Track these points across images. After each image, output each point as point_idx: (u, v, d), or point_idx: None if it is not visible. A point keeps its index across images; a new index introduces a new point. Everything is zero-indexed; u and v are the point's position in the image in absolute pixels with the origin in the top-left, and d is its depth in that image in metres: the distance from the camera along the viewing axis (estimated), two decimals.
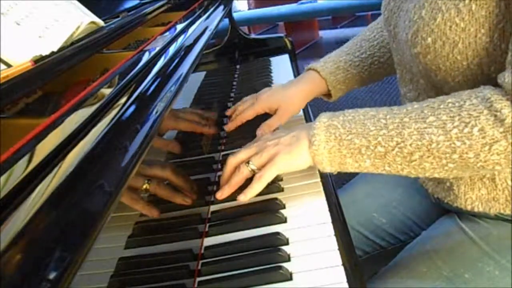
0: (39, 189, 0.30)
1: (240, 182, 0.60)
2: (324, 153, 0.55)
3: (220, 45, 1.17)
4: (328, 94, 0.83)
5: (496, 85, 0.49)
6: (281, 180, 0.65)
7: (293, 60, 1.22)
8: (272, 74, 1.11)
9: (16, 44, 0.53)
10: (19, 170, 0.31)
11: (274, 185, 0.63)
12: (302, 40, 3.77)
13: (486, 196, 0.61)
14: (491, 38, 0.50)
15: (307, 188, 0.63)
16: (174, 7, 0.98)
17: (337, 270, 0.48)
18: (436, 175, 0.53)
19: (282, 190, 0.63)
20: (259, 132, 0.73)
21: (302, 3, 3.47)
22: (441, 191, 0.67)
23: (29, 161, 0.33)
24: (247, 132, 0.77)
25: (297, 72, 1.12)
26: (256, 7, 4.09)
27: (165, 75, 0.55)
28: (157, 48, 0.61)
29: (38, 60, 0.51)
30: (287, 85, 0.80)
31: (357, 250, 0.81)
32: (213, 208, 0.62)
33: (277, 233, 0.54)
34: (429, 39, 0.54)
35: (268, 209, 0.59)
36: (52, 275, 0.25)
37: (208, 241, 0.56)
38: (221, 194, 0.60)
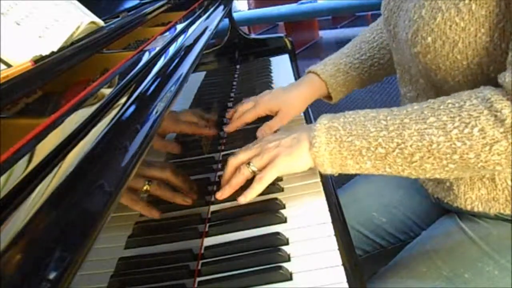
0: (39, 189, 0.30)
1: (240, 183, 0.60)
2: (325, 154, 0.55)
3: (220, 45, 1.17)
4: (329, 96, 0.83)
5: (496, 85, 0.49)
6: (281, 180, 0.65)
7: (293, 60, 1.22)
8: (272, 74, 1.11)
9: (16, 44, 0.53)
10: (19, 170, 0.31)
11: (274, 185, 0.63)
12: (302, 40, 3.77)
13: (486, 196, 0.61)
14: (491, 38, 0.50)
15: (307, 188, 0.63)
16: (174, 7, 0.98)
17: (337, 270, 0.48)
18: (437, 176, 0.53)
19: (282, 190, 0.63)
20: (259, 133, 0.73)
21: (302, 3, 3.47)
22: (441, 191, 0.67)
23: (29, 161, 0.33)
24: (247, 133, 0.78)
25: (297, 72, 1.12)
26: (256, 7, 4.09)
27: (165, 75, 0.55)
28: (157, 48, 0.61)
29: (38, 60, 0.51)
30: (287, 88, 0.80)
31: (357, 249, 0.81)
32: (213, 208, 0.62)
33: (277, 233, 0.54)
34: (429, 39, 0.54)
35: (268, 209, 0.59)
36: (52, 275, 0.25)
37: (208, 241, 0.56)
38: (221, 195, 0.60)
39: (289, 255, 0.51)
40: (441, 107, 0.50)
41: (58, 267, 0.26)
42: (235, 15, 1.54)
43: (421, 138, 0.50)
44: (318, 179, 0.63)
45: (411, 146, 0.51)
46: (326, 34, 4.12)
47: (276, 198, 0.61)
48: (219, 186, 0.63)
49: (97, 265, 0.41)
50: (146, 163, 0.53)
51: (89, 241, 0.30)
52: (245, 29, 3.64)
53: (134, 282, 0.47)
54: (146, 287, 0.48)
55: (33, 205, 0.28)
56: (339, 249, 0.51)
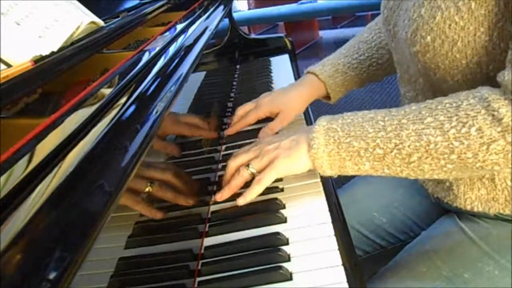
0: (39, 189, 0.30)
1: (240, 185, 0.60)
2: (323, 156, 0.55)
3: (220, 45, 1.17)
4: (328, 97, 0.83)
5: (495, 84, 0.49)
6: (281, 180, 0.65)
7: (293, 60, 1.22)
8: (272, 74, 1.11)
9: (16, 44, 0.53)
10: (19, 170, 0.31)
11: (274, 186, 0.63)
12: (302, 40, 3.77)
13: (486, 196, 0.61)
14: (490, 37, 0.50)
15: (307, 188, 0.63)
16: (174, 7, 0.98)
17: (337, 270, 0.48)
18: (436, 177, 0.53)
19: (282, 190, 0.64)
20: (261, 135, 0.73)
21: (302, 3, 3.47)
22: (441, 191, 0.67)
23: (29, 161, 0.33)
24: (248, 134, 0.78)
25: (297, 72, 1.12)
26: (256, 7, 4.09)
27: (165, 75, 0.55)
28: (157, 48, 0.61)
29: (38, 60, 0.51)
30: (287, 89, 0.80)
31: (357, 249, 0.81)
32: (213, 208, 0.62)
33: (277, 233, 0.54)
34: (428, 38, 0.54)
35: (268, 209, 0.59)
36: (52, 275, 0.25)
37: (208, 241, 0.56)
38: (220, 196, 0.60)
39: (289, 255, 0.51)
40: (439, 107, 0.50)
41: (58, 267, 0.26)
42: (235, 15, 1.54)
43: (418, 138, 0.50)
44: (318, 179, 0.63)
45: (409, 146, 0.51)
46: (326, 34, 4.12)
47: (276, 198, 0.61)
48: (219, 186, 0.63)
49: (97, 265, 0.41)
50: (148, 164, 0.53)
51: (89, 241, 0.30)
52: (245, 29, 3.64)
53: (134, 282, 0.47)
54: (146, 287, 0.48)
55: (33, 205, 0.28)
56: (339, 249, 0.51)
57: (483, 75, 0.53)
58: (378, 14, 0.76)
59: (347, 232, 0.56)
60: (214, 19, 0.89)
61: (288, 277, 0.48)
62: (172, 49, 0.63)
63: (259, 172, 0.59)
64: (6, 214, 0.27)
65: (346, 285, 0.46)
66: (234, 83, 1.11)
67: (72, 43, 0.59)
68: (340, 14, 4.11)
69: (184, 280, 0.50)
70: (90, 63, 0.57)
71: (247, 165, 0.60)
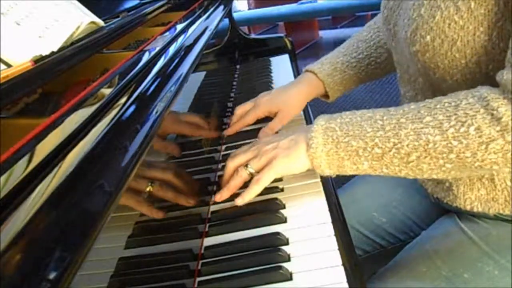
0: (39, 189, 0.30)
1: (238, 185, 0.60)
2: (322, 156, 0.55)
3: (220, 45, 1.17)
4: (326, 95, 0.83)
5: (494, 84, 0.49)
6: (281, 180, 0.65)
7: (293, 60, 1.22)
8: (272, 74, 1.11)
9: (16, 44, 0.53)
10: (19, 170, 0.31)
11: (274, 186, 0.63)
12: (302, 40, 3.77)
13: (485, 196, 0.61)
14: (489, 37, 0.50)
15: (307, 188, 0.63)
16: (174, 7, 0.98)
17: (337, 270, 0.48)
18: (434, 176, 0.53)
19: (282, 190, 0.64)
20: (261, 135, 0.73)
21: (302, 3, 3.47)
22: (441, 191, 0.67)
23: (29, 161, 0.33)
24: (247, 134, 0.78)
25: (297, 72, 1.12)
26: (256, 7, 4.09)
27: (165, 75, 0.55)
28: (157, 48, 0.61)
29: (38, 60, 0.51)
30: (285, 88, 0.80)
31: (357, 249, 0.81)
32: (213, 208, 0.62)
33: (277, 233, 0.54)
34: (428, 37, 0.54)
35: (268, 209, 0.59)
36: (52, 275, 0.25)
37: (208, 241, 0.56)
38: (220, 197, 0.60)
39: (289, 255, 0.51)
40: (438, 106, 0.50)
41: (58, 267, 0.26)
42: (235, 15, 1.54)
43: (417, 138, 0.50)
44: (318, 179, 0.63)
45: (407, 145, 0.50)
46: (326, 34, 4.12)
47: (276, 198, 0.61)
48: (218, 186, 0.63)
49: (97, 265, 0.41)
50: (149, 164, 0.53)
51: (89, 241, 0.30)
52: (245, 29, 3.64)
53: (134, 282, 0.46)
54: (146, 287, 0.48)
55: (33, 205, 0.28)
56: (339, 249, 0.51)
57: (482, 74, 0.53)
58: (378, 14, 0.77)
59: (347, 232, 0.56)
60: (214, 19, 0.89)
61: (288, 277, 0.49)
62: (172, 49, 0.63)
63: (258, 172, 0.59)
64: (6, 214, 0.27)
65: (346, 285, 0.46)
66: (234, 83, 1.11)
67: (72, 43, 0.59)
68: (340, 14, 4.11)
69: (184, 280, 0.50)
70: (90, 63, 0.57)
71: (246, 165, 0.60)
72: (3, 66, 0.50)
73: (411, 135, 0.50)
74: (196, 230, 0.57)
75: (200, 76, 0.85)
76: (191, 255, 0.53)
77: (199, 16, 0.85)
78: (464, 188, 0.62)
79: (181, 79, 0.56)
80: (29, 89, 0.47)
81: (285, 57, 1.24)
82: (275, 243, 0.53)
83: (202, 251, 0.55)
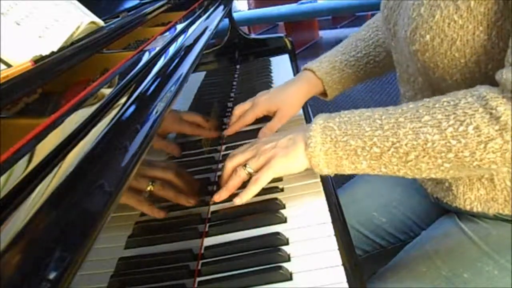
0: (39, 189, 0.30)
1: (237, 185, 0.60)
2: (320, 155, 0.55)
3: (220, 45, 1.17)
4: (324, 93, 0.83)
5: (493, 83, 0.49)
6: (281, 180, 0.65)
7: (293, 60, 1.22)
8: (272, 74, 1.11)
9: (16, 44, 0.53)
10: (19, 170, 0.31)
11: (274, 186, 0.63)
12: (302, 40, 3.77)
13: (485, 196, 0.61)
14: (489, 36, 0.50)
15: (307, 188, 0.63)
16: (174, 7, 0.98)
17: (337, 270, 0.48)
18: (433, 176, 0.53)
19: (282, 190, 0.64)
20: (260, 135, 0.73)
21: (302, 3, 3.47)
22: (440, 191, 0.67)
23: (29, 161, 0.33)
24: (247, 133, 0.78)
25: (297, 72, 1.12)
26: (256, 7, 4.09)
27: (165, 75, 0.55)
28: (157, 48, 0.61)
29: (38, 60, 0.51)
30: (284, 87, 0.80)
31: (357, 249, 0.81)
32: (213, 208, 0.62)
33: (277, 233, 0.54)
34: (428, 36, 0.54)
35: (268, 209, 0.59)
36: (52, 275, 0.25)
37: (208, 241, 0.56)
38: (218, 197, 0.60)
39: (289, 255, 0.51)
40: (436, 105, 0.50)
41: (58, 267, 0.26)
42: (235, 15, 1.54)
43: (416, 137, 0.50)
44: (318, 179, 0.63)
45: (406, 145, 0.50)
46: (326, 34, 4.12)
47: (276, 198, 0.61)
48: (218, 186, 0.63)
49: (97, 265, 0.41)
50: (150, 163, 0.53)
51: (89, 241, 0.30)
52: (245, 29, 3.64)
53: (134, 282, 0.47)
54: (146, 287, 0.48)
55: (33, 205, 0.28)
56: (339, 249, 0.51)
57: (481, 74, 0.53)
58: (377, 13, 0.77)
59: (347, 232, 0.56)
60: (214, 19, 0.89)
61: (288, 277, 0.49)
62: (172, 49, 0.63)
63: (256, 171, 0.59)
64: (6, 214, 0.27)
65: (346, 285, 0.46)
66: (234, 83, 1.11)
67: (72, 43, 0.59)
68: (340, 14, 4.11)
69: (184, 280, 0.50)
70: (90, 63, 0.57)
71: (245, 165, 0.60)
72: (3, 66, 0.50)
73: (409, 134, 0.50)
74: (196, 230, 0.57)
75: (200, 76, 0.85)
76: (191, 255, 0.53)
77: (199, 16, 0.85)
78: (464, 188, 0.62)
79: (181, 79, 0.56)
80: (29, 89, 0.47)
81: (285, 57, 1.24)
82: (275, 243, 0.53)
83: (202, 251, 0.55)
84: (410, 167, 0.52)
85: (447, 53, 0.53)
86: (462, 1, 0.50)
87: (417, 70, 0.61)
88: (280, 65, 1.19)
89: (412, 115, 0.51)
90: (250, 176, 0.60)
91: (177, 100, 0.54)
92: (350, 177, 0.83)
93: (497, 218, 0.62)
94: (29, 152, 0.34)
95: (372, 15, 0.87)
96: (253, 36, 1.49)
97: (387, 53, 0.80)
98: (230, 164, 0.61)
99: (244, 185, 0.60)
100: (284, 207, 0.60)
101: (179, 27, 0.76)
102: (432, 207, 0.76)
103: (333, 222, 0.55)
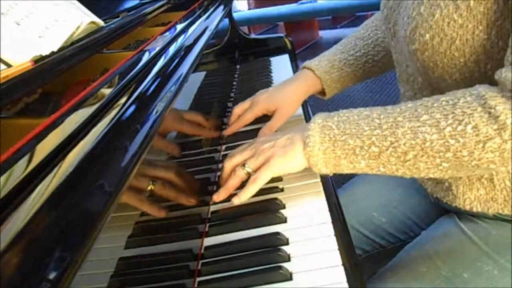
0: (39, 189, 0.30)
1: (236, 185, 0.60)
2: (318, 154, 0.55)
3: (220, 45, 1.17)
4: (323, 92, 0.83)
5: (493, 83, 0.49)
6: (281, 180, 0.65)
7: (293, 60, 1.22)
8: (272, 74, 1.11)
9: (16, 44, 0.53)
10: (19, 170, 0.31)
11: (274, 186, 0.63)
12: (302, 40, 3.77)
13: (485, 196, 0.61)
14: (488, 35, 0.50)
15: (307, 188, 0.63)
16: (174, 7, 0.98)
17: (337, 270, 0.48)
18: (431, 176, 0.52)
19: (282, 190, 0.64)
20: (260, 135, 0.73)
21: (302, 3, 3.47)
22: (440, 191, 0.67)
23: (29, 161, 0.33)
24: (247, 133, 0.78)
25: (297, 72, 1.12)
26: (256, 7, 4.09)
27: (165, 75, 0.55)
28: (157, 48, 0.61)
29: (38, 60, 0.51)
30: (282, 85, 0.80)
31: (357, 249, 0.81)
32: (213, 208, 0.62)
33: (277, 233, 0.54)
34: (427, 36, 0.54)
35: (268, 209, 0.59)
36: (52, 275, 0.25)
37: (208, 241, 0.56)
38: (218, 197, 0.60)
39: (289, 255, 0.51)
40: (435, 104, 0.50)
41: (58, 267, 0.26)
42: (235, 15, 1.54)
43: (414, 136, 0.50)
44: (318, 179, 0.63)
45: (404, 144, 0.50)
46: (326, 34, 4.12)
47: (276, 198, 0.61)
48: (219, 186, 0.63)
49: (97, 265, 0.41)
50: (150, 163, 0.53)
51: (89, 241, 0.30)
52: (245, 29, 3.64)
53: (134, 282, 0.47)
54: (146, 287, 0.48)
55: (33, 205, 0.28)
56: (339, 249, 0.51)
57: (481, 73, 0.53)
58: (376, 13, 0.77)
59: (347, 232, 0.56)
60: (214, 19, 0.89)
61: (288, 277, 0.49)
62: (172, 49, 0.63)
63: (255, 171, 0.59)
64: (6, 214, 0.27)
65: (346, 285, 0.46)
66: (234, 83, 1.11)
67: (72, 43, 0.59)
68: (340, 14, 4.11)
69: (184, 280, 0.50)
70: (90, 63, 0.57)
71: (243, 165, 0.60)
72: (3, 66, 0.50)
73: (408, 133, 0.50)
74: (196, 230, 0.57)
75: (200, 76, 0.85)
76: (191, 255, 0.53)
77: (199, 16, 0.85)
78: (464, 188, 0.62)
79: (181, 79, 0.56)
80: (29, 89, 0.47)
81: (285, 57, 1.24)
82: (275, 243, 0.53)
83: (202, 251, 0.55)
84: (409, 167, 0.52)
85: (446, 52, 0.53)
86: (462, 0, 0.50)
87: (417, 70, 0.61)
88: (280, 65, 1.19)
89: (410, 114, 0.51)
90: (249, 175, 0.60)
91: (177, 100, 0.54)
92: (350, 177, 0.82)
93: (497, 218, 0.62)
94: (29, 152, 0.34)
95: (372, 15, 0.87)
96: (253, 36, 1.49)
97: (386, 52, 0.80)
98: (229, 164, 0.61)
99: (244, 184, 0.60)
100: (284, 207, 0.60)
101: (179, 27, 0.76)
102: (432, 207, 0.76)
103: (333, 222, 0.55)
